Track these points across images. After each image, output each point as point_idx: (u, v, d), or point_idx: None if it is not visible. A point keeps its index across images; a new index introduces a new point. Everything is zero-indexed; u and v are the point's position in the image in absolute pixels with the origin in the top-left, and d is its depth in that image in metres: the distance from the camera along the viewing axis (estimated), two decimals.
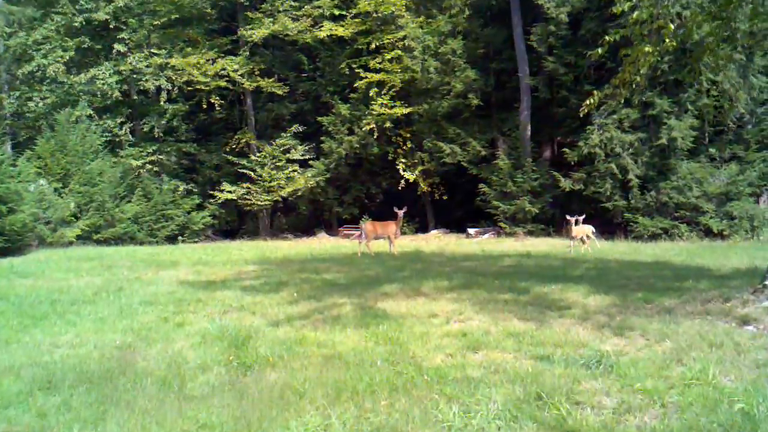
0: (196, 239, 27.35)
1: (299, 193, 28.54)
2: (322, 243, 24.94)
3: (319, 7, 28.04)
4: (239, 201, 28.54)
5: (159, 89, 27.68)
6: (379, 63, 27.45)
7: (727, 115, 23.67)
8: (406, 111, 27.17)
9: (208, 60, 27.74)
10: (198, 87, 27.50)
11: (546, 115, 27.16)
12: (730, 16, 8.98)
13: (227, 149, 29.36)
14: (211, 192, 28.78)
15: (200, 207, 28.29)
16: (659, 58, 10.01)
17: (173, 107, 28.35)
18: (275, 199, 28.52)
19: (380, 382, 5.70)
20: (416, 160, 28.28)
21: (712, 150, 24.14)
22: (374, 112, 26.85)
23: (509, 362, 6.24)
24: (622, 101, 11.97)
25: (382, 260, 15.94)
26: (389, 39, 27.46)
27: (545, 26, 25.11)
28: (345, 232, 27.49)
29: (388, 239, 18.29)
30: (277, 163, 28.55)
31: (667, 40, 8.66)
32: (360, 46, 28.20)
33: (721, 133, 24.96)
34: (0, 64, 28.84)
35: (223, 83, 27.83)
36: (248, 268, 14.88)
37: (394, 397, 5.35)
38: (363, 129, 27.20)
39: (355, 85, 27.66)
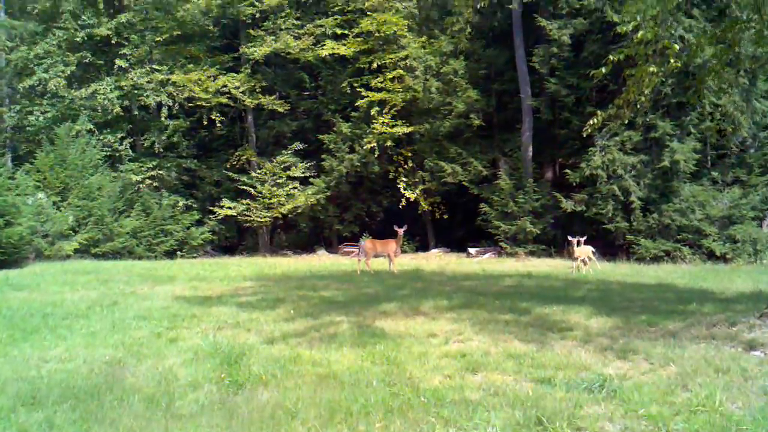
0: (195, 255, 27.14)
1: (299, 210, 28.37)
2: (321, 260, 24.76)
3: (322, 25, 28.09)
4: (239, 217, 28.39)
5: (160, 105, 27.62)
6: (381, 82, 27.42)
7: (730, 138, 23.66)
8: (407, 130, 27.09)
9: (209, 77, 27.70)
10: (199, 103, 27.43)
11: (548, 136, 27.11)
12: (735, 38, 8.90)
13: (228, 165, 29.24)
14: (211, 208, 28.64)
15: (200, 223, 28.10)
16: (663, 80, 9.92)
17: (174, 123, 28.26)
18: (275, 215, 28.36)
19: (375, 403, 5.51)
20: (417, 179, 28.17)
21: (714, 173, 24.05)
22: (375, 131, 26.77)
23: (509, 385, 6.05)
24: (626, 122, 11.83)
25: (382, 278, 15.75)
26: (391, 58, 27.46)
27: (547, 48, 25.12)
28: (345, 249, 27.31)
29: (387, 257, 18.13)
30: (278, 180, 28.43)
31: (672, 61, 8.58)
32: (362, 65, 28.18)
33: (723, 157, 24.90)
34: (1, 78, 28.78)
35: (224, 100, 27.77)
36: (246, 284, 14.70)
37: (389, 420, 5.16)
38: (364, 147, 27.11)
39: (357, 103, 27.60)
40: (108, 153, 27.02)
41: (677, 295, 12.00)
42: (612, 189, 22.98)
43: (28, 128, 27.06)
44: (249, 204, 28.20)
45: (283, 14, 28.16)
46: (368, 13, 27.61)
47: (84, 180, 24.48)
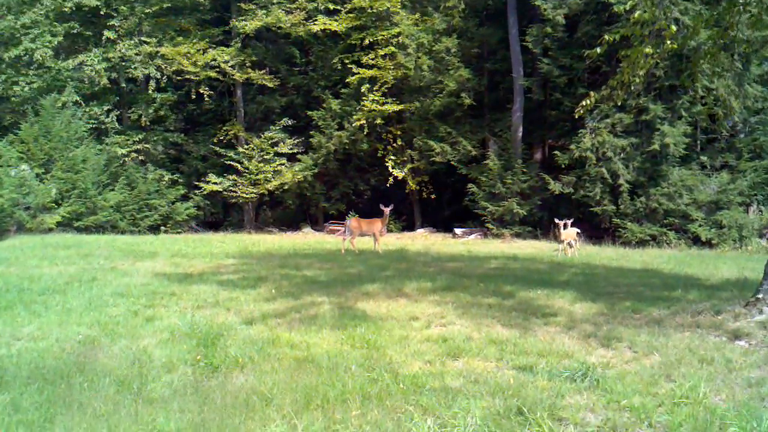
0: (179, 230, 26.89)
1: (286, 187, 28.15)
2: (306, 238, 24.61)
3: (314, 0, 27.64)
4: (225, 193, 28.12)
5: (148, 78, 27.23)
6: (372, 59, 27.09)
7: (720, 123, 23.56)
8: (397, 108, 26.85)
9: (199, 50, 27.32)
10: (188, 77, 27.07)
11: (538, 117, 26.97)
12: (733, 20, 8.71)
13: (215, 140, 28.88)
14: (197, 183, 28.35)
15: (185, 198, 27.83)
16: (657, 62, 9.75)
17: (162, 96, 27.87)
18: (261, 192, 28.14)
19: (353, 390, 5.37)
20: (405, 158, 27.99)
21: (703, 158, 24.00)
22: (365, 108, 26.50)
23: (490, 372, 5.93)
24: (619, 104, 11.69)
25: (366, 258, 15.60)
26: (383, 35, 27.11)
27: (541, 27, 24.86)
28: (331, 227, 27.19)
29: (373, 237, 17.97)
30: (265, 156, 28.16)
31: (668, 42, 8.40)
32: (353, 42, 27.79)
33: (713, 142, 24.87)
34: None
35: (213, 74, 27.43)
36: (228, 262, 14.50)
37: (367, 407, 5.02)
38: (353, 125, 26.87)
39: (347, 80, 27.30)
40: (94, 125, 26.64)
41: (662, 280, 11.93)
42: (600, 172, 22.90)
43: (12, 99, 26.55)
44: (235, 180, 27.95)
45: None
46: None
47: (68, 152, 24.11)
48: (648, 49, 8.43)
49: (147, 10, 27.23)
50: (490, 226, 25.10)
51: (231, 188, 27.89)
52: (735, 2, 8.38)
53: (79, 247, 16.43)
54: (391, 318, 8.21)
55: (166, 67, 26.89)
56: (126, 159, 26.85)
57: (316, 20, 27.43)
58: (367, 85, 26.81)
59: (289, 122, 28.76)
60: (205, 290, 10.21)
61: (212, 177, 28.00)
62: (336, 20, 27.47)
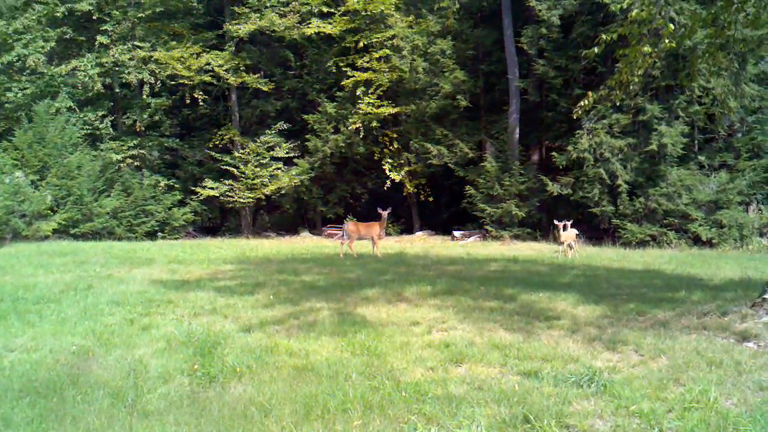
0: (177, 236, 26.69)
1: (283, 192, 28.01)
2: (304, 242, 24.46)
3: (307, 3, 27.45)
4: (221, 198, 27.94)
5: (142, 83, 27.04)
6: (367, 62, 26.96)
7: (718, 122, 23.51)
8: (393, 111, 26.72)
9: (192, 54, 27.14)
10: (182, 81, 26.88)
11: (535, 118, 26.88)
12: (730, 19, 8.61)
13: (210, 145, 28.68)
14: (193, 188, 28.13)
15: (181, 203, 27.63)
16: (655, 61, 9.64)
17: (156, 101, 27.70)
18: (258, 196, 27.96)
19: (354, 399, 5.23)
20: (402, 161, 27.86)
21: (701, 158, 23.93)
22: (361, 111, 26.37)
23: (494, 378, 5.80)
24: (617, 104, 11.58)
25: (365, 262, 15.45)
26: (378, 38, 26.98)
27: (536, 29, 24.80)
28: (329, 231, 27.03)
29: (371, 240, 17.84)
30: (261, 161, 27.99)
31: (666, 41, 8.29)
32: (348, 45, 27.65)
33: (711, 141, 24.81)
34: None
35: (207, 78, 27.24)
36: (226, 268, 14.34)
37: (368, 417, 4.88)
38: (349, 128, 26.73)
39: (342, 83, 27.17)
40: (88, 131, 26.43)
41: (665, 281, 11.80)
42: (598, 172, 22.81)
43: (6, 105, 26.35)
44: (232, 184, 27.77)
45: None
46: None
47: (63, 159, 23.92)
48: (646, 48, 8.33)
49: (140, 15, 27.08)
50: (489, 229, 24.98)
51: (228, 193, 27.71)
52: (731, 1, 8.27)
53: (75, 255, 16.24)
54: (392, 323, 8.07)
55: (159, 71, 26.70)
56: (121, 165, 26.64)
57: (310, 23, 27.25)
58: (363, 88, 26.68)
59: (285, 126, 28.57)
60: (203, 297, 10.06)
61: (208, 182, 27.81)
62: (330, 23, 27.31)
